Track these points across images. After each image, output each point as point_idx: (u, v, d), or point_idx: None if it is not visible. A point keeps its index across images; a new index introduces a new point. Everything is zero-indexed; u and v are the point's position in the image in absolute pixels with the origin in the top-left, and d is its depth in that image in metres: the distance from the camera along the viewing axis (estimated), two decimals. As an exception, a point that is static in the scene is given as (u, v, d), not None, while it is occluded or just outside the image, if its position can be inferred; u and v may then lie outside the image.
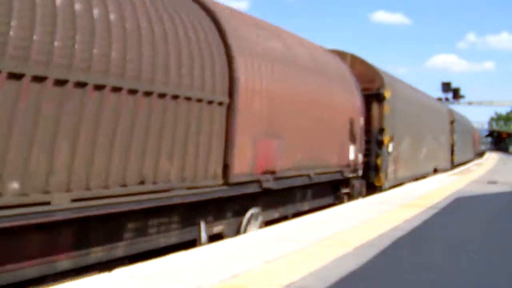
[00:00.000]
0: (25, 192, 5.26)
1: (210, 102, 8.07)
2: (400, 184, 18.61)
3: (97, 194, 6.06)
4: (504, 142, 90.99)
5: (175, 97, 7.29)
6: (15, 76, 5.11)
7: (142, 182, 6.76)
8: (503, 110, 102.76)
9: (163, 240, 7.57)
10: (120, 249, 6.78)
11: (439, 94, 37.44)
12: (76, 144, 5.79)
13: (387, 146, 17.08)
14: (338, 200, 14.21)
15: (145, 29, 6.82)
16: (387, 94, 16.86)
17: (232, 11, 10.06)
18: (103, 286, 4.92)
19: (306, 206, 12.33)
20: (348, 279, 5.36)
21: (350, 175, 14.48)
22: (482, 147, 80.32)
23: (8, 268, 5.33)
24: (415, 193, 15.19)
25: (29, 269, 5.55)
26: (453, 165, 32.94)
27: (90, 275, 5.69)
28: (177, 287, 4.91)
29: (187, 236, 8.07)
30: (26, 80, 5.21)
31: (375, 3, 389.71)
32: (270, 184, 9.78)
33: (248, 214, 9.68)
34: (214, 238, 8.50)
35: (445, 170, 28.26)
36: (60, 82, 5.57)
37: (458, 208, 12.10)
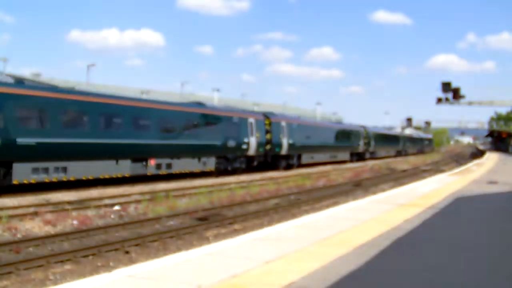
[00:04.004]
0: None
1: None
2: None
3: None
4: (504, 142, 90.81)
5: None
6: None
7: None
8: (503, 110, 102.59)
9: None
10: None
11: (439, 94, 37.29)
12: None
13: None
14: None
15: None
16: None
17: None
18: (103, 286, 4.93)
19: None
20: (348, 279, 5.37)
21: None
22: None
23: None
24: (415, 193, 15.20)
25: None
26: None
27: None
28: (177, 287, 4.92)
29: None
30: None
31: (376, 2, 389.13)
32: None
33: None
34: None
35: None
36: None
37: (458, 208, 12.10)
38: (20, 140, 17.51)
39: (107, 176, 21.34)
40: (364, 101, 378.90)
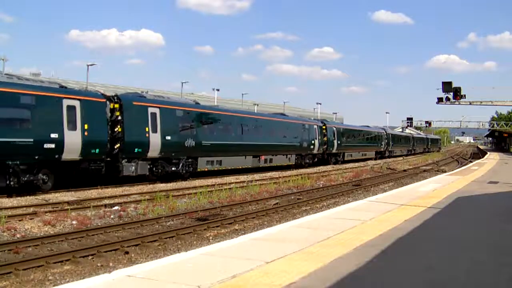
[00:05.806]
0: None
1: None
2: None
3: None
4: (505, 142, 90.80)
5: None
6: None
7: None
8: (504, 110, 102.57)
9: None
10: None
11: (440, 93, 37.15)
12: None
13: None
14: None
15: None
16: None
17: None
18: (103, 286, 4.90)
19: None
20: (348, 279, 5.34)
21: None
22: None
23: None
24: (415, 193, 15.16)
25: None
26: None
27: None
28: (177, 288, 4.89)
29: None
30: None
31: (377, 2, 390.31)
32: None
33: None
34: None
35: None
36: None
37: (459, 208, 12.07)
38: (204, 142, 27.10)
39: (240, 167, 30.77)
40: (364, 101, 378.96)
